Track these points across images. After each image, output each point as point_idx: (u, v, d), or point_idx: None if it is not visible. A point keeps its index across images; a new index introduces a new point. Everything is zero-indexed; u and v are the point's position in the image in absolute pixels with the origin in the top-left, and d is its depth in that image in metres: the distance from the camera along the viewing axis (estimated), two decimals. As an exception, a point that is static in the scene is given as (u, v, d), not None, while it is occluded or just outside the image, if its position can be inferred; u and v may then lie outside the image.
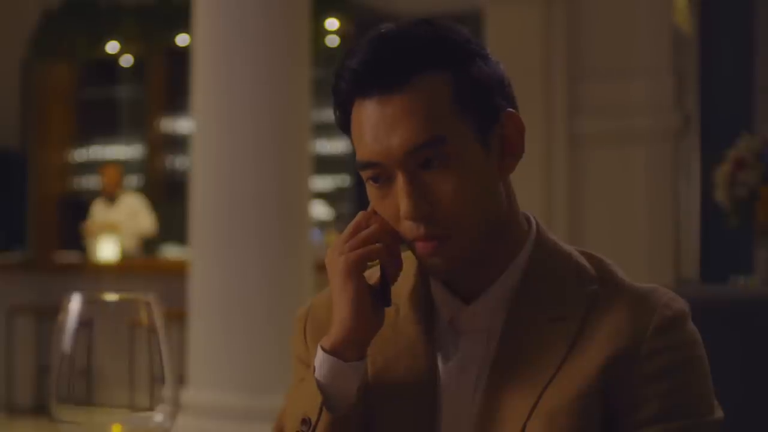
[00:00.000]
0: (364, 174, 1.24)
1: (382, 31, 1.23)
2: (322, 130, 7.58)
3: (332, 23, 7.81)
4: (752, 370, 1.65)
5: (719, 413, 1.23)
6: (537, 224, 1.30)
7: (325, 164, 7.58)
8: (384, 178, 1.23)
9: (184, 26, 6.14)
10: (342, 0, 7.79)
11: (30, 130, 9.01)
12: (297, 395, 1.25)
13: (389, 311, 1.29)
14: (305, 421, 1.21)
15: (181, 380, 4.79)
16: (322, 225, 7.00)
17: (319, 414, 1.20)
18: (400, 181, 1.21)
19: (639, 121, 6.11)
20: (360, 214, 1.25)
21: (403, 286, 1.31)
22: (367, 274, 1.24)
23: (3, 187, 8.90)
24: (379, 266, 1.27)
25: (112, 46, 8.68)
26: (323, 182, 7.85)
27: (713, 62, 5.68)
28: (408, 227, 1.22)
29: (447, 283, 1.28)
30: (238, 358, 4.51)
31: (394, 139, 1.20)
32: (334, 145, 8.07)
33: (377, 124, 1.21)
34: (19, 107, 9.06)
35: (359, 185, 1.30)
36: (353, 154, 1.26)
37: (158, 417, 1.01)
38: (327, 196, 7.77)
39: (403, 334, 1.29)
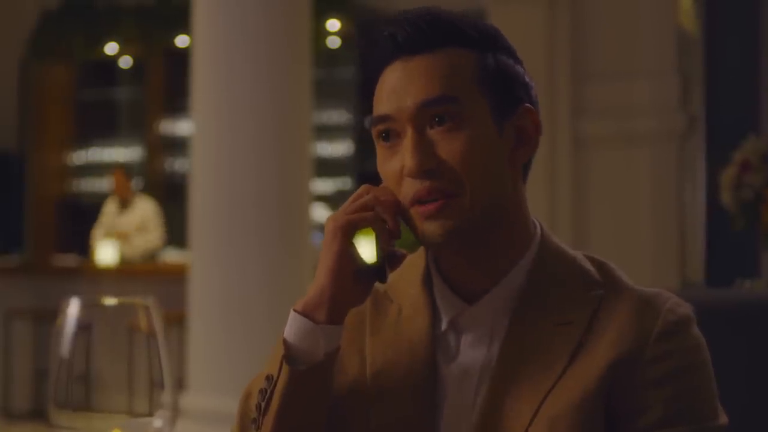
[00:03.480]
0: (376, 130, 1.27)
1: (424, 6, 1.28)
2: (324, 132, 7.58)
3: (333, 24, 7.80)
4: (757, 374, 1.64)
5: (724, 418, 1.22)
6: (542, 228, 1.31)
7: (326, 167, 7.57)
8: (394, 135, 1.25)
9: (184, 27, 6.13)
10: (343, 1, 7.77)
11: (28, 132, 9.00)
12: (268, 360, 1.25)
13: (391, 311, 1.30)
14: (268, 378, 1.22)
15: (180, 385, 4.78)
16: (323, 228, 6.97)
17: (280, 368, 1.21)
18: (408, 136, 1.23)
19: (643, 122, 6.11)
20: (362, 187, 1.27)
21: (406, 287, 1.31)
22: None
23: (1, 190, 8.88)
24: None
25: (110, 47, 8.67)
26: (324, 185, 7.83)
27: (718, 63, 5.67)
28: (409, 185, 1.23)
29: (450, 283, 1.28)
30: (238, 362, 4.49)
31: (409, 93, 1.23)
32: (336, 148, 8.05)
33: (397, 82, 1.24)
34: (17, 108, 9.05)
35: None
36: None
37: (157, 422, 1.00)
38: (328, 199, 7.74)
39: (404, 335, 1.29)
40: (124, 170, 7.87)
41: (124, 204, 7.58)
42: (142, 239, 7.42)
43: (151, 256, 7.42)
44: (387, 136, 1.25)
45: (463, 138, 1.22)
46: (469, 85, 1.23)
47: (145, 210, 7.59)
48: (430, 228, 1.22)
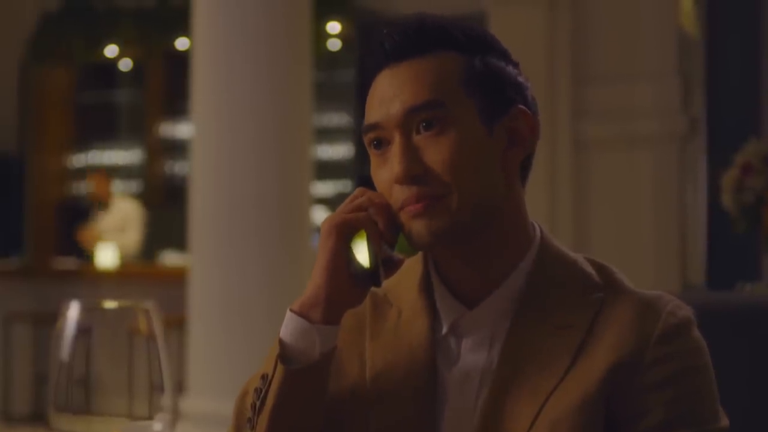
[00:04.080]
0: (367, 139, 1.28)
1: (416, 13, 1.29)
2: (324, 134, 7.57)
3: (333, 27, 7.78)
4: (759, 377, 1.63)
5: (725, 421, 1.22)
6: (541, 231, 1.31)
7: (326, 169, 7.55)
8: (384, 143, 1.26)
9: (183, 29, 6.12)
10: (343, 3, 7.76)
11: (28, 135, 8.98)
12: (264, 360, 1.26)
13: (391, 315, 1.31)
14: (264, 377, 1.23)
15: (180, 388, 4.76)
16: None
17: (275, 367, 1.21)
18: (396, 142, 1.24)
19: (645, 124, 6.10)
20: (357, 189, 1.28)
21: (406, 290, 1.32)
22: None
23: (0, 192, 8.86)
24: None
25: (110, 50, 8.64)
26: (325, 187, 7.82)
27: (720, 65, 5.66)
28: (398, 192, 1.23)
29: (450, 287, 1.28)
30: (239, 365, 4.47)
31: (396, 100, 1.24)
32: (336, 150, 8.04)
33: (385, 90, 1.25)
34: (17, 111, 9.03)
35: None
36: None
37: (157, 425, 1.01)
38: (328, 202, 7.73)
39: (404, 339, 1.29)
40: (105, 174, 7.88)
41: (103, 207, 7.60)
42: (120, 239, 7.42)
43: (130, 256, 7.41)
44: (378, 144, 1.26)
45: (450, 142, 1.22)
46: (456, 88, 1.24)
47: (125, 211, 7.61)
48: (417, 228, 1.22)
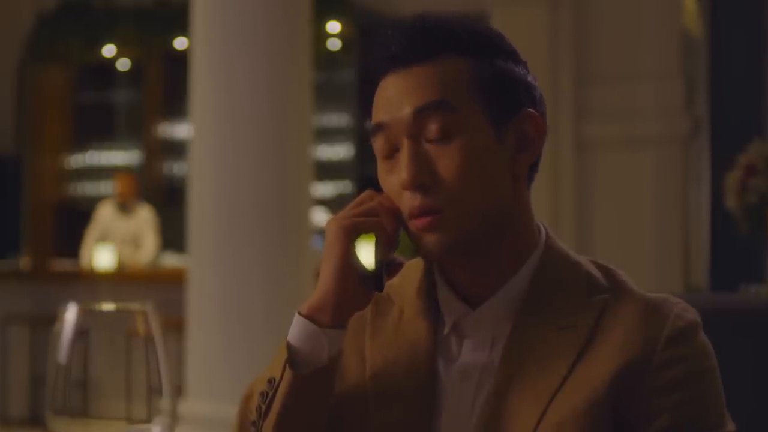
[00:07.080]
0: (376, 145, 1.26)
1: (421, 14, 1.27)
2: (324, 135, 7.56)
3: (334, 26, 7.78)
4: (762, 379, 1.62)
5: (731, 425, 1.22)
6: (546, 232, 1.30)
7: (326, 170, 7.56)
8: (393, 149, 1.25)
9: (182, 29, 6.11)
10: (343, 3, 7.76)
11: (25, 135, 8.99)
12: (270, 363, 1.25)
13: (393, 313, 1.31)
14: (270, 381, 1.22)
15: (179, 391, 4.75)
16: (324, 232, 6.93)
17: (283, 371, 1.21)
18: (404, 148, 1.23)
19: (648, 125, 6.11)
20: (366, 192, 1.27)
21: (408, 289, 1.31)
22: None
23: (-2, 194, 8.87)
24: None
25: (108, 50, 8.64)
26: (324, 188, 7.82)
27: (723, 66, 5.68)
28: (407, 199, 1.22)
29: (453, 287, 1.27)
30: (238, 369, 4.46)
31: (405, 103, 1.23)
32: (336, 151, 8.05)
33: (393, 93, 1.24)
34: (15, 112, 9.04)
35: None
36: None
37: (156, 428, 1.01)
38: (328, 203, 7.73)
39: (405, 337, 1.29)
40: (131, 175, 7.81)
41: (123, 208, 7.52)
42: (135, 252, 7.35)
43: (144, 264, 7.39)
44: (387, 149, 1.25)
45: (460, 150, 1.21)
46: (465, 92, 1.23)
47: (142, 222, 7.50)
48: (428, 242, 1.22)
